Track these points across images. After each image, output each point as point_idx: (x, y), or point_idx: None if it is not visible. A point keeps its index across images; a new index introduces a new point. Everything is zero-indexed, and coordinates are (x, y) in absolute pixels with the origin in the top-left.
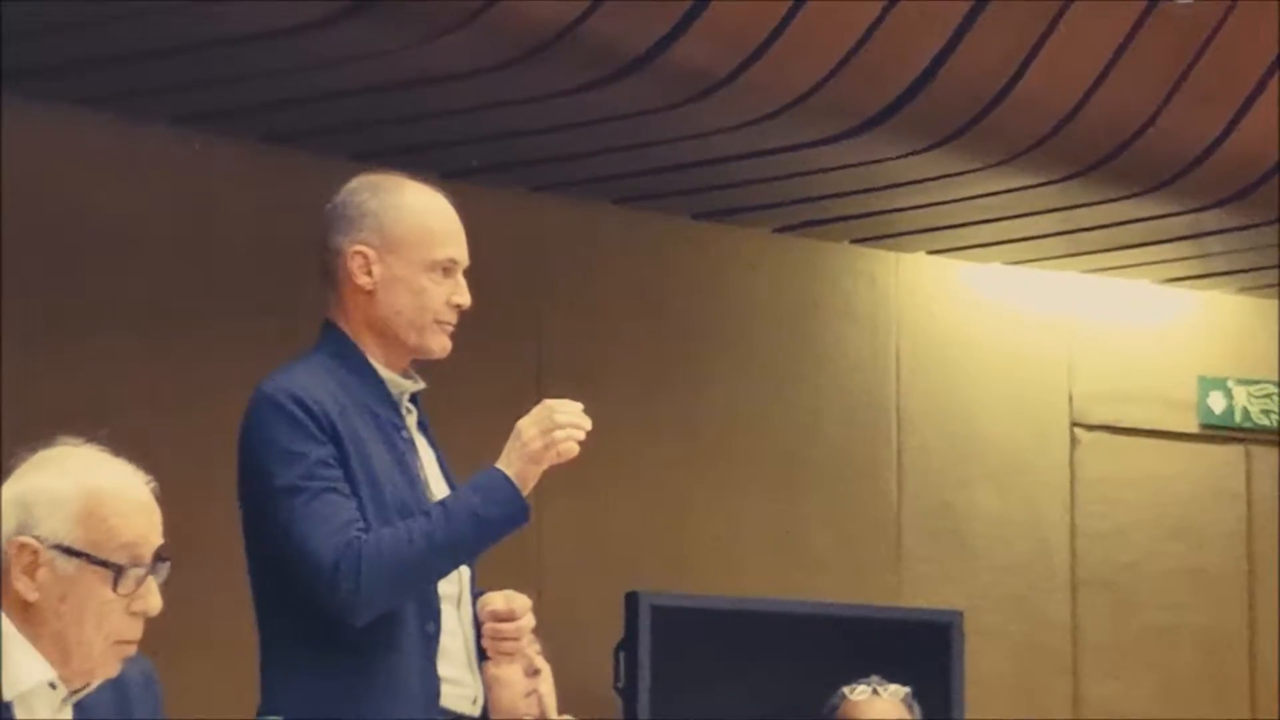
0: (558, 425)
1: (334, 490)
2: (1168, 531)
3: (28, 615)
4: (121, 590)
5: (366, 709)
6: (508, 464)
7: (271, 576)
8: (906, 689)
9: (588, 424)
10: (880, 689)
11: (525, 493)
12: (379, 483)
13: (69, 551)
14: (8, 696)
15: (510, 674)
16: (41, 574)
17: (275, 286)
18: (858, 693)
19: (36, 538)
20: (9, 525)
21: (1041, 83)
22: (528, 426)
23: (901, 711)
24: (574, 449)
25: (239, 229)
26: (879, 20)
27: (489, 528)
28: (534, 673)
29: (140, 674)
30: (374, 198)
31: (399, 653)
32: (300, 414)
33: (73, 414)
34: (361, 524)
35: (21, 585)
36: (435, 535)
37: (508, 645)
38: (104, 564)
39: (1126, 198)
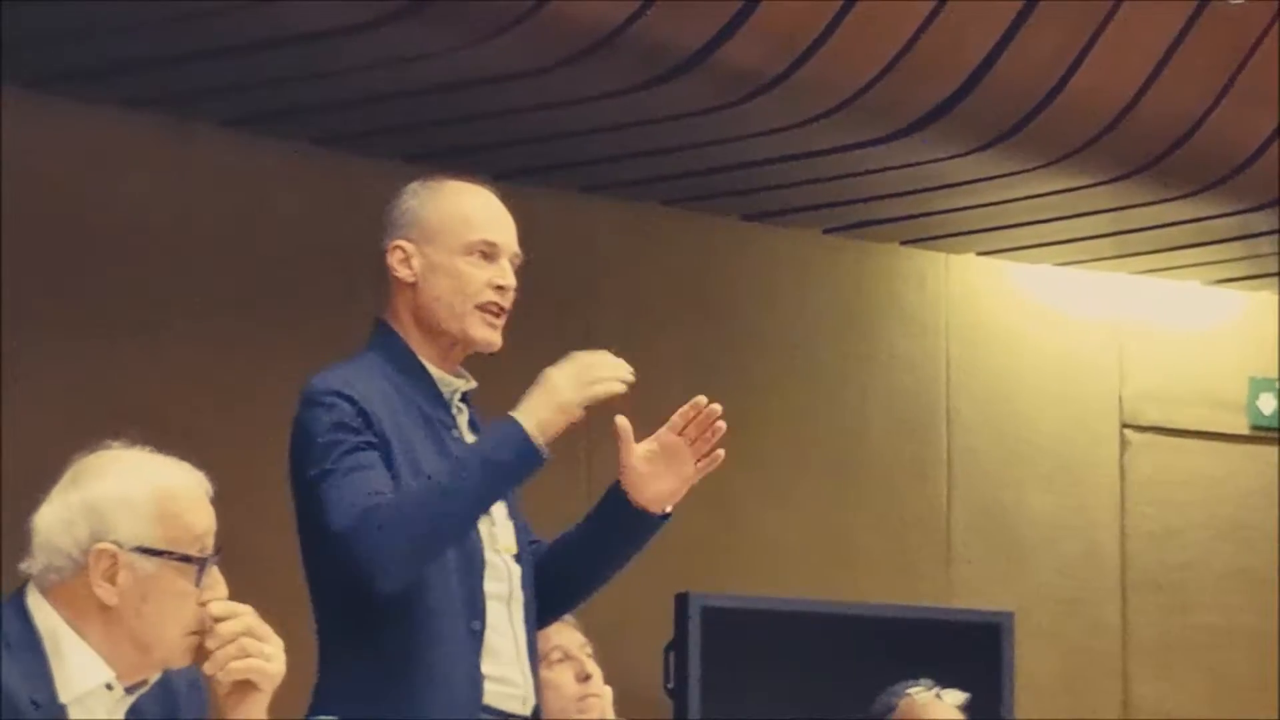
0: (596, 379)
1: (361, 469)
2: (1218, 533)
3: (107, 619)
4: (202, 583)
5: (411, 708)
6: (528, 412)
7: (322, 575)
8: (966, 695)
9: (628, 373)
10: (941, 693)
11: (544, 439)
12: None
13: (150, 552)
14: (64, 699)
15: (561, 678)
16: (121, 578)
17: (326, 288)
18: (920, 695)
19: (115, 542)
20: (80, 534)
21: (1091, 83)
22: (557, 375)
23: (959, 717)
24: (617, 388)
25: (290, 231)
26: (929, 20)
27: (498, 471)
28: (585, 678)
29: (187, 679)
30: (414, 197)
31: (444, 651)
32: (340, 405)
33: (123, 414)
34: (381, 494)
35: (103, 591)
36: (442, 482)
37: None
38: (187, 559)
39: (1177, 198)
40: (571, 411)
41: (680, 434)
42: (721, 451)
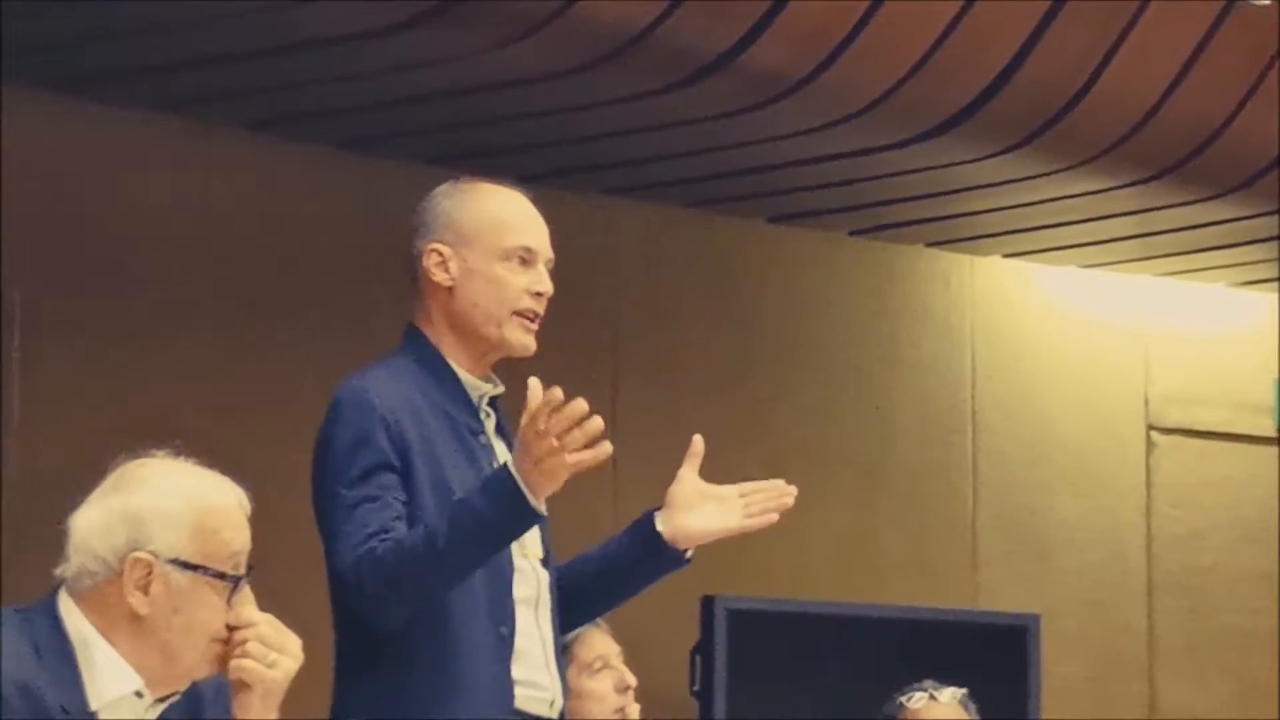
0: (548, 451)
1: (373, 499)
2: (1244, 535)
3: (137, 628)
4: (234, 600)
5: (438, 710)
6: (518, 465)
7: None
8: (963, 689)
9: (585, 427)
10: (936, 693)
11: (539, 495)
12: (449, 489)
13: (185, 566)
14: (94, 706)
15: (602, 687)
16: (154, 588)
17: (351, 292)
18: (915, 699)
19: (151, 553)
20: (117, 541)
21: (1118, 85)
22: (527, 432)
23: (959, 713)
24: (591, 458)
25: (315, 234)
26: (954, 23)
27: (495, 532)
28: (625, 688)
29: (212, 686)
30: (448, 198)
31: (471, 656)
32: (368, 417)
33: (142, 418)
34: (389, 534)
35: (135, 600)
36: (438, 541)
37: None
38: (221, 576)
39: (1203, 200)
40: (560, 477)
41: (744, 497)
42: (775, 516)
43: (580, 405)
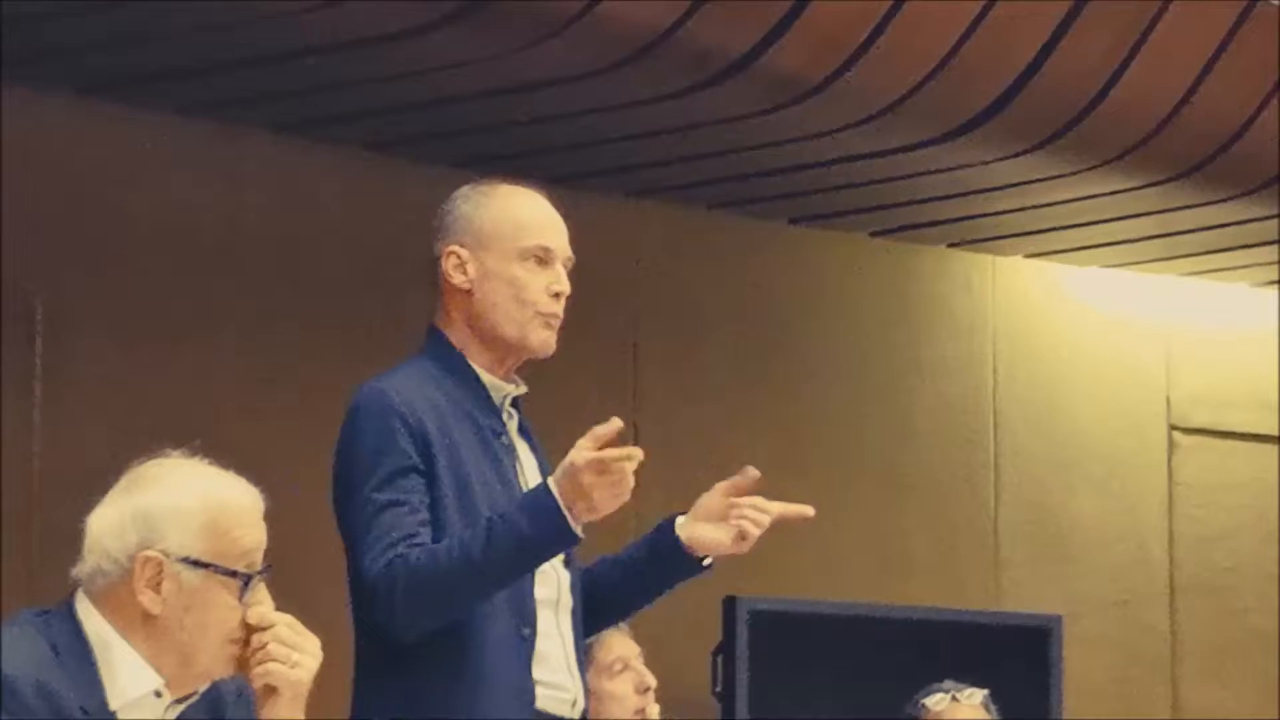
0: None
1: (399, 504)
2: (1267, 535)
3: (150, 628)
4: (245, 598)
5: (458, 711)
6: (563, 490)
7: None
8: (984, 691)
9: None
10: (958, 693)
11: (580, 519)
12: (471, 490)
13: (196, 564)
14: (114, 706)
15: (622, 689)
16: (166, 586)
17: (376, 294)
18: (936, 700)
19: (162, 551)
20: (129, 540)
21: (1139, 85)
22: (588, 472)
23: (981, 714)
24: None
25: (341, 236)
26: (976, 23)
27: (533, 551)
28: (644, 690)
29: (235, 687)
30: (466, 201)
31: (492, 657)
32: (390, 420)
33: (167, 419)
34: (416, 539)
35: (146, 599)
36: (474, 557)
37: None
38: (232, 574)
39: (1225, 200)
40: (605, 511)
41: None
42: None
43: (638, 452)
